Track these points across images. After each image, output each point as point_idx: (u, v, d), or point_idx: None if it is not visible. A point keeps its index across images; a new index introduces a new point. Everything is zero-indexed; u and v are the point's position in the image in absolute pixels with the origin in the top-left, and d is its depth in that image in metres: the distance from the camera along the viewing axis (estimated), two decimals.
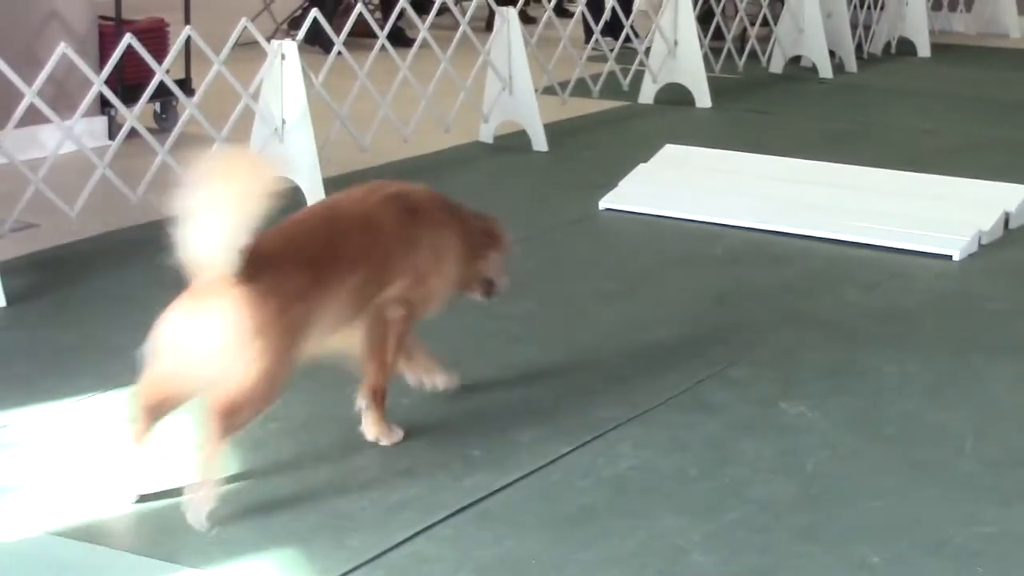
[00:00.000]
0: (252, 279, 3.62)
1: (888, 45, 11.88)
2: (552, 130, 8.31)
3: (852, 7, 11.40)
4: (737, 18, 10.64)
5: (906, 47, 11.88)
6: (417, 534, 3.67)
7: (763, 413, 4.56)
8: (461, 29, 8.01)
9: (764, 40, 10.79)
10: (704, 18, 10.02)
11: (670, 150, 7.45)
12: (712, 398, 4.68)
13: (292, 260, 3.77)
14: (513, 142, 8.17)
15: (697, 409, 4.58)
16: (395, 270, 4.07)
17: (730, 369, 4.92)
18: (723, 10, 10.58)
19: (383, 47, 7.51)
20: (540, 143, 8.10)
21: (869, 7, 11.76)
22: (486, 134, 8.25)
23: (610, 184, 7.06)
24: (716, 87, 9.59)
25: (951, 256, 6.17)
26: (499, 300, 4.57)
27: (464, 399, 4.53)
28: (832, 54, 10.86)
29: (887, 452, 4.30)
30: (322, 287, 3.81)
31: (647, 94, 9.54)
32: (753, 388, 4.76)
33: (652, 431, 4.40)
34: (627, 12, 9.69)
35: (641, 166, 7.25)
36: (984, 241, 6.37)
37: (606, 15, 9.51)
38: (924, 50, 11.89)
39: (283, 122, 6.72)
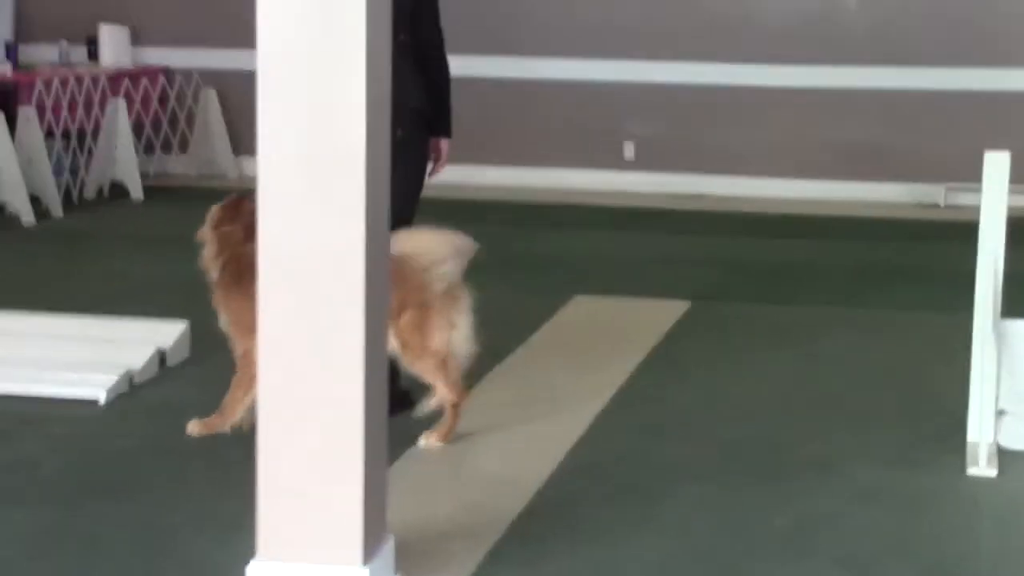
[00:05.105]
0: None
1: (101, 189, 11.79)
2: None
3: (55, 153, 11.22)
4: None
5: (120, 191, 11.83)
6: None
7: None
8: None
9: None
10: None
11: None
12: None
13: None
14: None
15: None
16: None
17: None
18: None
19: None
20: None
21: (75, 152, 11.64)
22: None
23: None
24: None
25: (97, 399, 6.08)
26: None
27: None
28: (39, 200, 10.66)
29: None
30: None
31: None
32: None
33: None
34: None
35: None
36: (137, 380, 6.33)
37: None
38: (137, 192, 11.88)
39: None
